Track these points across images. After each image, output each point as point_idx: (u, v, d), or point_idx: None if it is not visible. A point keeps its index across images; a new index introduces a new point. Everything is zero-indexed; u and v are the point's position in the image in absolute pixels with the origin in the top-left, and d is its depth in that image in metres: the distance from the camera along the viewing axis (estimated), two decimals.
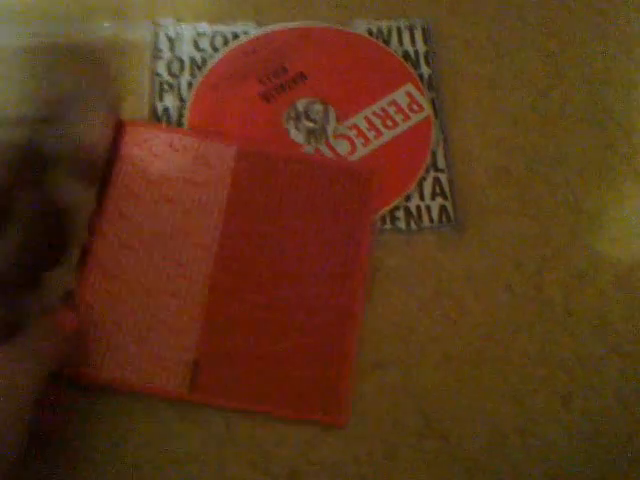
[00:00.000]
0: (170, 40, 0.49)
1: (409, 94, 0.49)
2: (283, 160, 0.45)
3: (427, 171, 0.47)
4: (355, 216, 0.44)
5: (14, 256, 0.36)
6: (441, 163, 0.47)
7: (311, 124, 0.47)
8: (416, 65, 0.50)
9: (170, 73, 0.48)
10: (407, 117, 0.48)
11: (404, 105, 0.48)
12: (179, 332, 0.40)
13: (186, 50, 0.48)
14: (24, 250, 0.37)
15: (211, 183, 0.43)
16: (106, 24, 0.48)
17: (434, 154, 0.47)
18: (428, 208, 0.46)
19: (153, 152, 0.43)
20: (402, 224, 0.45)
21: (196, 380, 0.39)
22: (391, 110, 0.48)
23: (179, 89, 0.47)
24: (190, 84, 0.47)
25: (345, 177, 0.45)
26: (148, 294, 0.40)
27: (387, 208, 0.45)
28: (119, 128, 0.43)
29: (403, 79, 0.49)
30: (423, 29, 0.51)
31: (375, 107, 0.48)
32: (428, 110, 0.48)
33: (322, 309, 0.42)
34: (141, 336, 0.40)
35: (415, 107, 0.48)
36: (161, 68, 0.48)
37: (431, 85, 0.49)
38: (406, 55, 0.50)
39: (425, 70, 0.50)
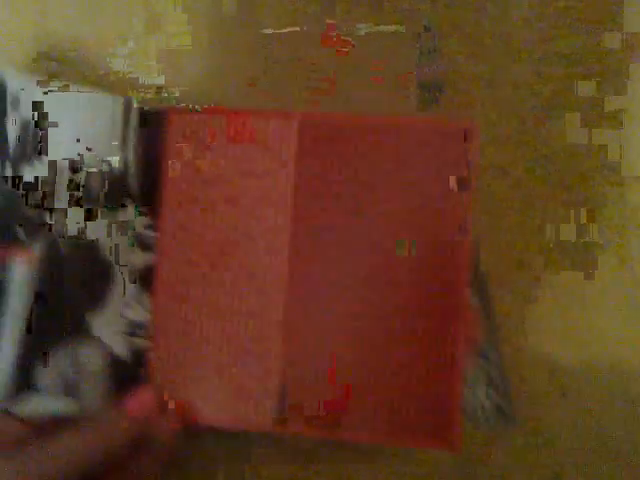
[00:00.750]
0: None
1: None
2: (357, 127, 0.35)
3: None
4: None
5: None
6: None
7: None
8: None
9: None
10: None
11: None
12: (260, 356, 0.35)
13: None
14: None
15: (273, 171, 0.35)
16: None
17: None
18: None
19: (205, 144, 0.36)
20: None
21: (284, 408, 0.34)
22: None
23: None
24: None
25: (436, 137, 0.34)
26: (222, 316, 0.35)
27: None
28: (162, 119, 0.37)
29: None
30: None
31: None
32: None
33: (424, 313, 0.34)
34: (221, 365, 0.35)
35: None
36: None
37: None
38: None
39: None
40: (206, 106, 0.36)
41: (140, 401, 0.35)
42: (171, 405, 0.35)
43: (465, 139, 0.34)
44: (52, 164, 0.35)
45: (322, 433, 0.34)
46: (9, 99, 0.34)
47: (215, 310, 0.35)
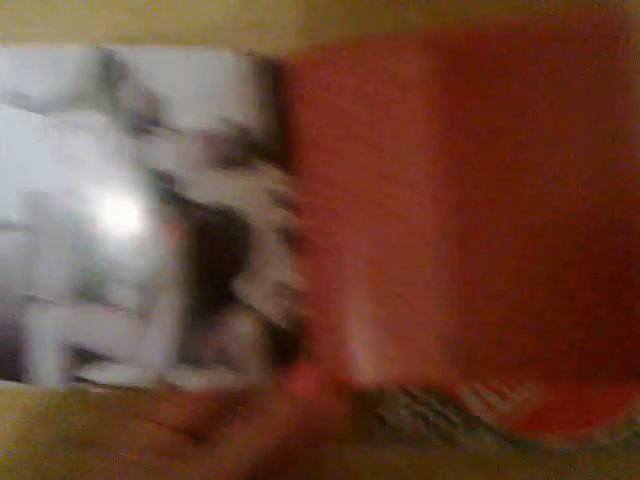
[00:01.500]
0: None
1: None
2: (497, 38, 0.31)
3: None
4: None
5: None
6: None
7: None
8: None
9: None
10: None
11: None
12: (421, 303, 0.32)
13: None
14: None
15: (411, 106, 0.31)
16: None
17: None
18: None
19: (335, 86, 0.33)
20: None
21: (457, 359, 0.32)
22: None
23: None
24: None
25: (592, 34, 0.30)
26: (378, 268, 0.32)
27: None
28: (279, 65, 0.34)
29: None
30: None
31: None
32: None
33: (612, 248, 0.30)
34: (379, 318, 0.32)
35: None
36: None
37: None
38: None
39: None
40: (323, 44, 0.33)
41: (306, 378, 0.32)
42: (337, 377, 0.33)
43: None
44: (183, 133, 0.33)
45: (507, 378, 0.31)
46: (118, 70, 0.33)
47: (369, 265, 0.33)
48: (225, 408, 0.34)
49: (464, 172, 0.31)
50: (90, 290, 0.33)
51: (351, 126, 0.32)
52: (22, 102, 0.33)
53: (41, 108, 0.33)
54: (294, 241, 0.34)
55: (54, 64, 0.33)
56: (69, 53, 0.33)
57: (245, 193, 0.33)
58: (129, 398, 0.37)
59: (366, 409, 0.40)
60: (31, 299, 0.33)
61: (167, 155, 0.33)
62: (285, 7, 0.40)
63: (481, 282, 0.31)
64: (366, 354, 0.32)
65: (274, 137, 0.34)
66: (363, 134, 0.32)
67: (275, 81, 0.34)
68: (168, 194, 0.33)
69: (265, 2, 0.40)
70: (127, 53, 0.33)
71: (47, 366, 0.33)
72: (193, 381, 0.33)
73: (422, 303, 0.32)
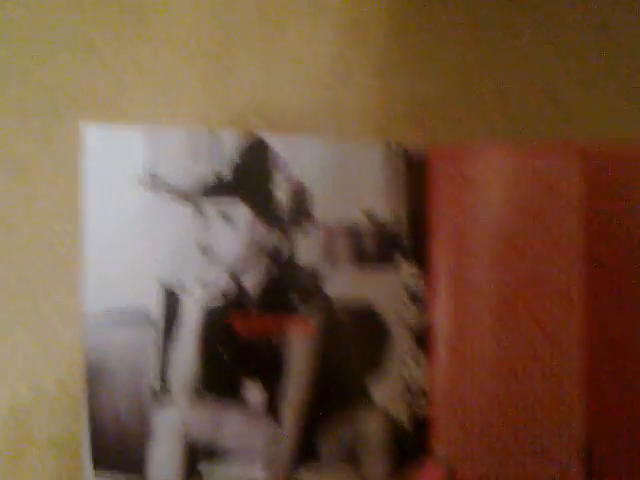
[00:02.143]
0: None
1: None
2: None
3: None
4: None
5: None
6: None
7: None
8: None
9: None
10: None
11: None
12: (559, 417, 0.32)
13: None
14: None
15: (558, 210, 0.32)
16: None
17: None
18: None
19: (475, 183, 0.33)
20: None
21: (592, 471, 0.31)
22: None
23: None
24: None
25: None
26: (512, 375, 0.32)
27: None
28: (424, 160, 0.34)
29: None
30: None
31: None
32: None
33: None
34: (516, 429, 0.32)
35: None
36: None
37: None
38: None
39: None
40: (471, 144, 0.33)
41: (429, 476, 0.32)
42: None
43: None
44: (323, 226, 0.33)
45: None
46: (272, 162, 0.33)
47: (503, 368, 0.32)
48: None
49: (608, 286, 0.31)
50: (218, 385, 0.32)
51: (497, 228, 0.32)
52: (160, 185, 0.32)
53: (183, 194, 0.33)
54: (426, 340, 0.33)
55: (199, 148, 0.33)
56: (219, 137, 0.33)
57: (382, 289, 0.33)
58: None
59: None
60: (161, 393, 0.32)
61: (309, 249, 0.33)
62: (438, 101, 0.39)
63: (613, 394, 0.31)
64: (498, 462, 0.32)
65: (412, 232, 0.33)
66: (504, 235, 0.32)
67: (417, 174, 0.34)
68: (305, 289, 0.33)
69: (417, 94, 0.40)
70: (278, 141, 0.33)
71: (168, 460, 0.32)
72: (318, 478, 0.32)
73: (565, 418, 0.31)
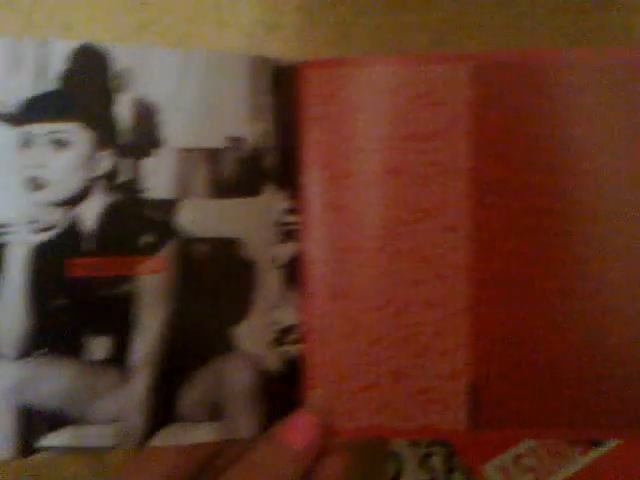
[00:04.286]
0: None
1: None
2: (550, 65, 0.29)
3: None
4: None
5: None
6: None
7: None
8: None
9: None
10: None
11: None
12: (443, 353, 0.29)
13: None
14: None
15: (442, 131, 0.29)
16: None
17: None
18: None
19: (352, 103, 0.29)
20: None
21: (477, 410, 0.29)
22: None
23: None
24: None
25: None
26: (394, 309, 0.29)
27: None
28: (293, 75, 0.29)
29: None
30: None
31: None
32: None
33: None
34: (395, 368, 0.29)
35: None
36: None
37: None
38: None
39: None
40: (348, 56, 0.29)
41: (299, 426, 0.29)
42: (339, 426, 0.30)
43: None
44: (177, 152, 0.28)
45: (529, 434, 0.29)
46: (116, 79, 0.27)
47: (388, 303, 0.29)
48: (214, 462, 0.30)
49: (496, 216, 0.29)
50: (55, 341, 0.27)
51: (380, 154, 0.29)
52: None
53: (3, 116, 0.27)
54: (300, 278, 0.30)
55: (23, 60, 0.27)
56: (48, 48, 0.27)
57: (248, 223, 0.29)
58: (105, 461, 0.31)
59: (374, 465, 0.37)
60: None
61: (161, 179, 0.28)
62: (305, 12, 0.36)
63: (509, 329, 0.29)
64: (375, 403, 0.29)
65: (284, 159, 0.29)
66: (386, 159, 0.29)
67: (289, 93, 0.29)
68: (155, 224, 0.28)
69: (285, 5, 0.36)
70: (124, 54, 0.27)
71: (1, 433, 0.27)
72: (179, 438, 0.28)
73: (449, 354, 0.29)
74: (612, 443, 0.34)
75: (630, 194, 0.28)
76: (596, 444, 0.34)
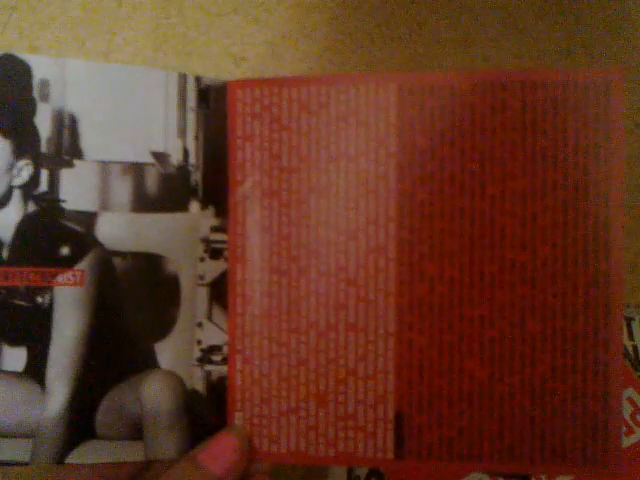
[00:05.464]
0: None
1: (632, 401, 0.35)
2: (472, 88, 0.28)
3: None
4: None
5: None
6: None
7: None
8: (636, 365, 0.37)
9: None
10: (631, 430, 0.35)
11: (627, 415, 0.35)
12: (368, 379, 0.28)
13: None
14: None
15: (370, 151, 0.29)
16: None
17: None
18: None
19: (281, 122, 0.29)
20: None
21: (403, 440, 0.28)
22: None
23: None
24: None
25: (572, 93, 0.28)
26: (316, 332, 0.29)
27: None
28: (223, 95, 0.29)
29: (623, 382, 0.34)
30: None
31: None
32: None
33: (568, 315, 0.28)
34: (319, 392, 0.29)
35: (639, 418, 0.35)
36: None
37: None
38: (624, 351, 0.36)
39: None
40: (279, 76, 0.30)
41: (220, 449, 0.28)
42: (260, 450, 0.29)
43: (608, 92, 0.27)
44: (97, 165, 0.28)
45: (452, 467, 0.28)
46: (37, 89, 0.27)
47: (310, 326, 0.29)
48: None
49: (424, 232, 0.28)
50: None
51: (306, 173, 0.29)
52: None
53: None
54: (227, 297, 0.29)
55: None
56: None
57: (175, 240, 0.29)
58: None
59: None
60: None
61: (81, 191, 0.28)
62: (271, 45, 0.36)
63: (434, 357, 0.28)
64: (298, 428, 0.28)
65: (213, 176, 0.29)
66: (320, 184, 0.29)
67: (218, 110, 0.29)
68: (74, 236, 0.28)
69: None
70: (45, 65, 0.28)
71: None
72: (96, 457, 0.28)
73: (375, 380, 0.28)
74: None
75: (548, 218, 0.27)
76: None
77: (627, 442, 0.34)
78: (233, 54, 0.39)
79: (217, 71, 0.38)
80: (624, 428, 0.35)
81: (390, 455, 0.28)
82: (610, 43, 0.40)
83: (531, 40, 0.40)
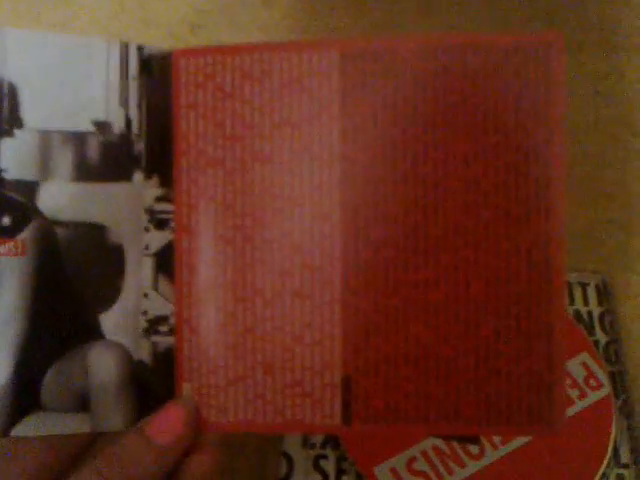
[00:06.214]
0: None
1: (585, 365, 0.38)
2: (414, 52, 0.29)
3: (608, 466, 0.36)
4: (541, 116, 0.28)
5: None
6: (625, 456, 0.37)
7: None
8: (590, 330, 0.40)
9: None
10: (584, 394, 0.37)
11: (580, 379, 0.38)
12: (314, 345, 0.28)
13: None
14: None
15: (313, 117, 0.29)
16: None
17: (616, 445, 0.37)
18: None
19: (224, 91, 0.29)
20: None
21: (350, 404, 0.28)
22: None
23: None
24: None
25: (518, 57, 0.28)
26: (263, 300, 0.29)
27: None
28: (166, 64, 0.29)
29: (578, 347, 0.39)
30: (597, 286, 0.42)
31: None
32: (607, 387, 0.38)
33: (512, 277, 0.28)
34: (265, 360, 0.29)
35: (593, 382, 0.38)
36: None
37: (609, 356, 0.40)
38: (578, 316, 0.41)
39: (601, 336, 0.40)
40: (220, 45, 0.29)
41: (168, 421, 0.28)
42: (210, 421, 0.29)
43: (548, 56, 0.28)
44: (38, 134, 0.28)
45: (399, 429, 0.28)
46: None
47: (256, 293, 0.29)
48: (77, 457, 0.29)
49: (370, 198, 0.28)
50: None
51: (250, 141, 0.29)
52: None
53: None
54: (173, 268, 0.29)
55: None
56: None
57: (116, 211, 0.28)
58: None
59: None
60: None
61: (21, 160, 0.27)
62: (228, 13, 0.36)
63: (380, 321, 0.28)
64: (245, 397, 0.28)
65: (157, 146, 0.29)
66: (264, 151, 0.29)
67: (162, 80, 0.29)
68: (13, 205, 0.27)
69: None
70: None
71: None
72: (42, 429, 0.28)
73: (322, 346, 0.28)
74: (507, 448, 0.32)
75: (491, 181, 0.28)
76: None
77: (580, 405, 0.35)
78: (190, 22, 0.39)
79: (174, 39, 0.38)
80: (577, 392, 0.36)
81: (337, 421, 0.28)
82: (572, 11, 0.41)
83: (494, 8, 0.40)
